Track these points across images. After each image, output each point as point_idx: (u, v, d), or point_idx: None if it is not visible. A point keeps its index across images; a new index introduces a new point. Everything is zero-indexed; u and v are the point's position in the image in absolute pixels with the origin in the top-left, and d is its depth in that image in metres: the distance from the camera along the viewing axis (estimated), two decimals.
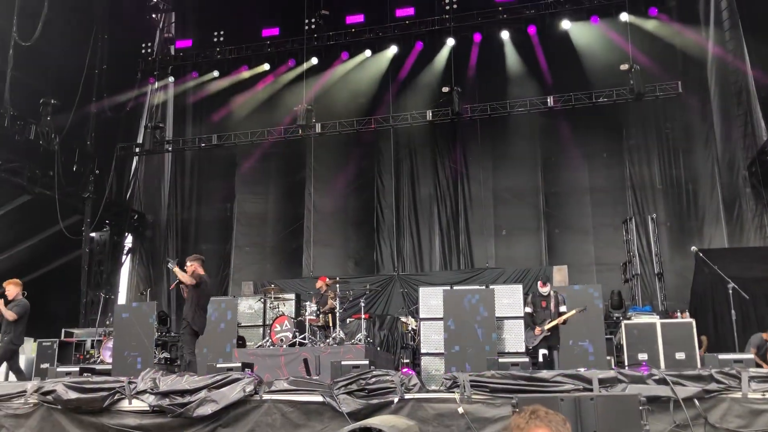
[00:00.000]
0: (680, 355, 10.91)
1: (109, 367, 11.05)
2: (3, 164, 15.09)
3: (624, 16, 16.17)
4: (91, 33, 17.59)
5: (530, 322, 9.97)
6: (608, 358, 11.36)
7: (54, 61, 16.54)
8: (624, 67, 15.26)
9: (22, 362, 13.69)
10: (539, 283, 10.18)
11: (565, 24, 16.89)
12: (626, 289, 15.06)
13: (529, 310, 10.06)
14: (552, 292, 10.01)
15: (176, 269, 9.39)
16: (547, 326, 9.70)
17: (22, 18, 14.92)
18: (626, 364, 11.09)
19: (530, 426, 2.51)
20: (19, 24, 14.80)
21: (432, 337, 12.07)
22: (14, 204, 16.22)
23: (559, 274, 14.77)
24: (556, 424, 2.52)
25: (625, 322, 11.90)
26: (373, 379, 6.87)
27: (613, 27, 16.53)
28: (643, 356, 11.12)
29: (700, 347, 11.59)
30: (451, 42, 17.23)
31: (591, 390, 6.41)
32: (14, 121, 15.19)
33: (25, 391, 7.64)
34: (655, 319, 11.89)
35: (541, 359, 9.53)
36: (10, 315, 9.40)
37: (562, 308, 9.85)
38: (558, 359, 9.81)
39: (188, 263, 9.82)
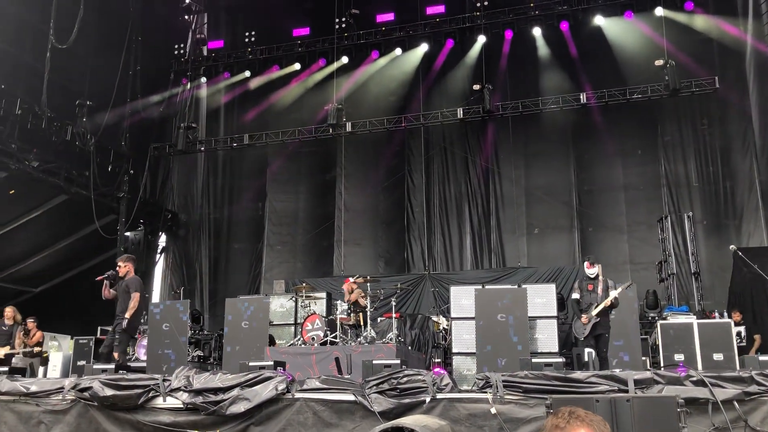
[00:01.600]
0: (718, 356, 10.68)
1: (144, 364, 11.20)
2: (40, 165, 15.38)
3: (659, 11, 15.88)
4: (126, 35, 17.85)
5: (577, 309, 9.38)
6: (643, 358, 11.18)
7: (89, 63, 16.83)
8: (659, 62, 14.99)
9: (59, 359, 14.02)
10: (586, 263, 9.59)
11: (599, 19, 16.64)
12: (662, 288, 14.81)
13: (576, 296, 9.45)
14: (601, 277, 9.47)
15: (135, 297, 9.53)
16: (594, 311, 9.15)
17: (58, 21, 15.19)
18: (662, 365, 10.90)
19: (571, 426, 2.44)
20: (55, 27, 15.07)
21: (463, 337, 12.02)
22: (52, 204, 16.55)
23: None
24: (598, 425, 2.45)
25: (661, 322, 11.70)
26: (405, 379, 6.83)
27: (648, 22, 16.25)
28: (679, 357, 10.91)
29: (751, 346, 11.38)
30: (482, 39, 17.12)
31: (626, 391, 6.29)
32: (51, 122, 15.48)
33: (62, 388, 7.77)
34: (691, 319, 11.69)
35: (586, 358, 9.01)
36: None
37: (612, 293, 9.30)
38: (608, 348, 9.34)
39: (121, 264, 9.97)
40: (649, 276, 15.36)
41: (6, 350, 11.42)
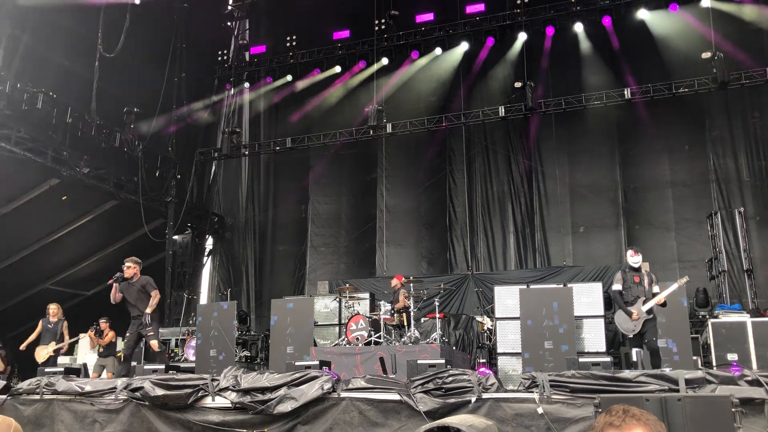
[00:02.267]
0: None
1: (193, 365, 11.42)
2: (91, 171, 15.82)
3: (705, 2, 15.47)
4: (170, 43, 18.23)
5: (621, 302, 8.81)
6: (694, 358, 10.92)
7: (136, 71, 17.26)
8: (706, 55, 14.61)
9: (113, 362, 14.37)
10: (630, 251, 9.04)
11: (642, 13, 16.32)
12: (712, 286, 14.45)
13: (618, 287, 8.86)
14: (645, 270, 8.99)
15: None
16: (645, 307, 8.59)
17: (106, 31, 15.63)
18: (714, 364, 10.63)
19: (627, 425, 2.35)
20: (103, 37, 15.51)
21: (508, 337, 11.95)
22: (102, 209, 17.00)
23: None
24: (654, 424, 2.37)
25: (712, 320, 11.43)
26: (450, 378, 6.82)
27: (694, 13, 15.85)
28: (732, 356, 10.63)
29: None
30: (523, 36, 16.97)
31: (677, 391, 6.16)
32: (100, 129, 15.92)
33: (115, 388, 7.98)
34: (745, 318, 11.38)
35: (635, 357, 8.59)
36: None
37: (656, 288, 8.80)
38: (657, 335, 8.80)
39: (130, 265, 9.96)
40: (699, 274, 14.99)
41: (53, 346, 11.66)
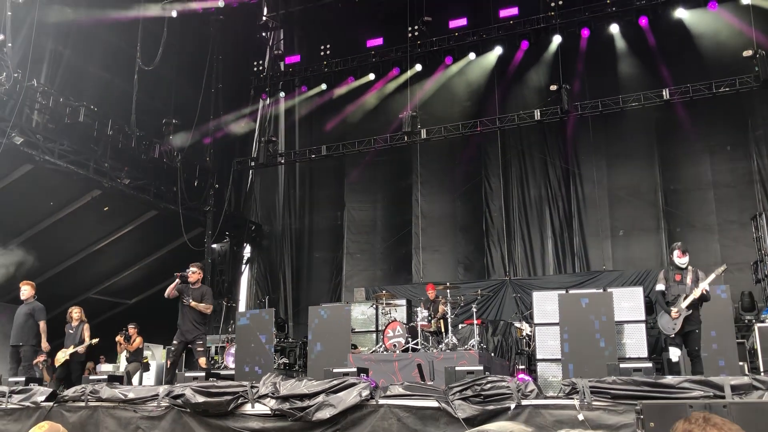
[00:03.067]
0: None
1: (233, 372, 11.54)
2: (131, 182, 16.14)
3: None
4: (207, 55, 18.54)
5: (663, 302, 8.45)
6: (740, 363, 10.65)
7: (174, 83, 17.59)
8: (747, 53, 14.30)
9: (153, 368, 14.61)
10: (677, 252, 8.53)
11: (680, 12, 16.03)
12: (758, 289, 14.08)
13: (661, 287, 8.50)
14: (691, 267, 8.53)
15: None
16: (684, 303, 8.24)
17: (144, 44, 15.98)
18: (761, 370, 10.37)
19: None
20: (142, 50, 15.85)
21: (548, 343, 11.80)
22: (142, 219, 17.33)
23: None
24: None
25: (759, 325, 11.16)
26: (489, 385, 6.76)
27: (734, 11, 15.52)
28: None
29: None
30: (557, 39, 16.82)
31: (722, 397, 6.01)
32: (140, 141, 16.25)
33: (157, 395, 8.10)
34: None
35: (673, 357, 8.28)
36: None
37: (703, 285, 8.30)
38: (700, 345, 8.38)
39: (195, 270, 10.13)
40: (744, 277, 14.63)
41: (71, 350, 11.40)
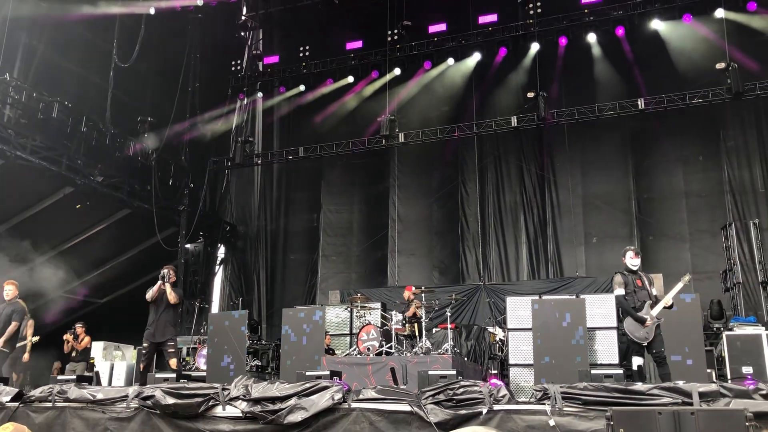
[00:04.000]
0: None
1: (204, 373, 11.43)
2: (105, 180, 15.94)
3: (719, 12, 15.43)
4: (184, 53, 18.39)
5: (629, 308, 8.32)
6: (708, 371, 10.81)
7: (150, 80, 17.43)
8: (720, 65, 14.55)
9: (123, 368, 14.45)
10: (630, 254, 8.57)
11: (656, 24, 16.28)
12: (727, 298, 14.31)
13: (621, 291, 8.41)
14: (641, 272, 8.63)
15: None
16: (655, 311, 8.22)
17: (121, 41, 15.80)
18: (729, 377, 10.53)
19: None
20: (118, 47, 15.68)
21: (521, 348, 11.87)
22: (115, 217, 17.11)
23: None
24: None
25: (727, 333, 11.34)
26: (461, 390, 6.78)
27: (708, 24, 15.80)
28: (747, 369, 10.55)
29: None
30: (535, 47, 16.97)
31: (690, 404, 6.09)
32: (114, 138, 16.07)
33: (126, 396, 7.99)
34: (760, 330, 11.28)
35: (635, 367, 8.32)
36: None
37: (654, 291, 8.51)
38: (664, 344, 8.45)
39: (172, 273, 10.09)
40: (713, 285, 14.87)
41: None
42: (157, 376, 8.72)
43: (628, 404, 6.17)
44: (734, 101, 15.16)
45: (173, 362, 9.75)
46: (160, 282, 9.82)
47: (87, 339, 13.32)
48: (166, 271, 9.98)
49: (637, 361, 8.46)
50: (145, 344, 9.90)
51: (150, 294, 9.80)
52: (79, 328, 13.24)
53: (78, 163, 15.14)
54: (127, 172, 16.68)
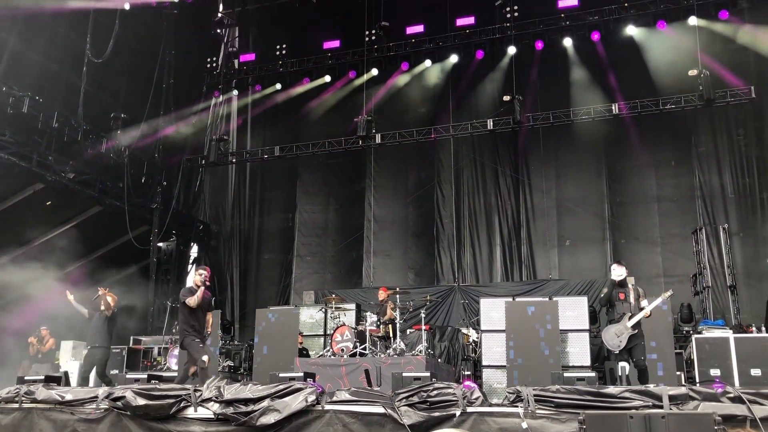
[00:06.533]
0: (756, 372, 10.47)
1: (176, 374, 11.30)
2: (76, 176, 15.69)
3: (693, 20, 15.68)
4: (159, 49, 18.18)
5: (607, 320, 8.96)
6: (678, 373, 10.97)
7: (124, 76, 17.18)
8: (693, 72, 14.76)
9: (49, 369, 14.24)
10: (614, 265, 9.12)
11: (630, 29, 16.48)
12: (696, 301, 14.53)
13: (599, 306, 9.15)
14: (631, 285, 9.12)
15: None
16: (630, 322, 8.73)
17: (95, 36, 15.56)
18: (697, 380, 10.68)
19: None
20: (92, 41, 15.43)
21: (494, 350, 11.95)
22: (86, 215, 16.86)
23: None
24: None
25: (696, 336, 11.50)
26: (435, 392, 6.79)
27: (681, 31, 16.03)
28: (715, 372, 10.71)
29: None
30: (512, 50, 17.06)
31: (661, 407, 6.17)
32: (87, 134, 15.81)
33: (96, 397, 7.87)
34: (728, 334, 11.45)
35: (620, 372, 8.67)
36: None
37: (644, 303, 8.93)
38: (645, 354, 9.00)
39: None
40: (684, 289, 15.07)
41: None
42: (127, 376, 8.60)
43: (600, 407, 6.23)
44: (706, 108, 15.40)
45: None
46: (203, 287, 9.16)
47: (52, 341, 13.17)
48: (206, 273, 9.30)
49: (619, 369, 8.72)
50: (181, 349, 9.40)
51: (196, 301, 9.08)
52: (44, 330, 13.08)
53: (49, 159, 14.88)
54: (99, 169, 16.43)
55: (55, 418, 7.91)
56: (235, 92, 20.11)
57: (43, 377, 8.74)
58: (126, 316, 15.40)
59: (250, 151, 19.78)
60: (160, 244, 18.60)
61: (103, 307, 11.16)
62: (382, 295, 12.75)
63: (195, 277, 9.32)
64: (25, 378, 8.72)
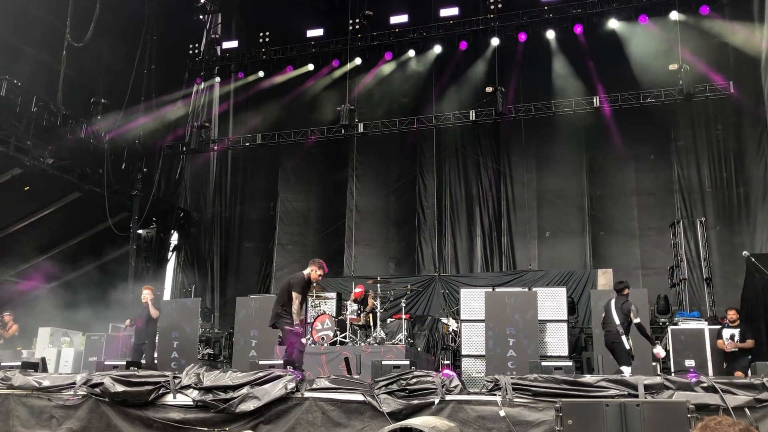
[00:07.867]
0: None
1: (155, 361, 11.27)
2: (55, 162, 15.49)
3: (674, 15, 15.79)
4: (141, 34, 17.95)
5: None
6: (653, 363, 11.13)
7: (105, 61, 16.97)
8: (673, 67, 14.92)
9: (71, 355, 14.15)
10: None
11: (613, 23, 16.57)
12: (673, 293, 14.74)
13: (638, 320, 9.74)
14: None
15: None
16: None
17: (75, 20, 15.31)
18: (672, 370, 10.86)
19: None
20: (72, 25, 15.19)
21: (473, 339, 12.04)
22: (65, 201, 16.66)
23: (604, 278, 14.54)
24: None
25: (672, 327, 11.68)
26: (414, 380, 6.85)
27: (663, 26, 16.15)
28: (690, 363, 10.89)
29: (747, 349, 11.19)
30: (495, 42, 17.08)
31: (636, 396, 6.28)
32: (66, 120, 15.60)
33: (74, 383, 7.83)
34: (703, 325, 11.64)
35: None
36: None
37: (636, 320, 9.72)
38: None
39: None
40: (661, 281, 15.30)
41: None
42: (106, 363, 8.56)
43: (576, 396, 6.32)
44: (685, 102, 15.57)
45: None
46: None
47: (15, 327, 13.10)
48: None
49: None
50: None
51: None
52: (6, 316, 13.01)
53: (27, 144, 14.68)
54: (79, 155, 16.23)
55: (32, 405, 7.87)
56: (218, 79, 19.93)
57: (19, 363, 8.68)
58: (105, 303, 15.34)
59: (231, 139, 19.65)
60: (140, 231, 18.45)
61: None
62: (356, 295, 12.64)
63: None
64: (2, 364, 8.65)
